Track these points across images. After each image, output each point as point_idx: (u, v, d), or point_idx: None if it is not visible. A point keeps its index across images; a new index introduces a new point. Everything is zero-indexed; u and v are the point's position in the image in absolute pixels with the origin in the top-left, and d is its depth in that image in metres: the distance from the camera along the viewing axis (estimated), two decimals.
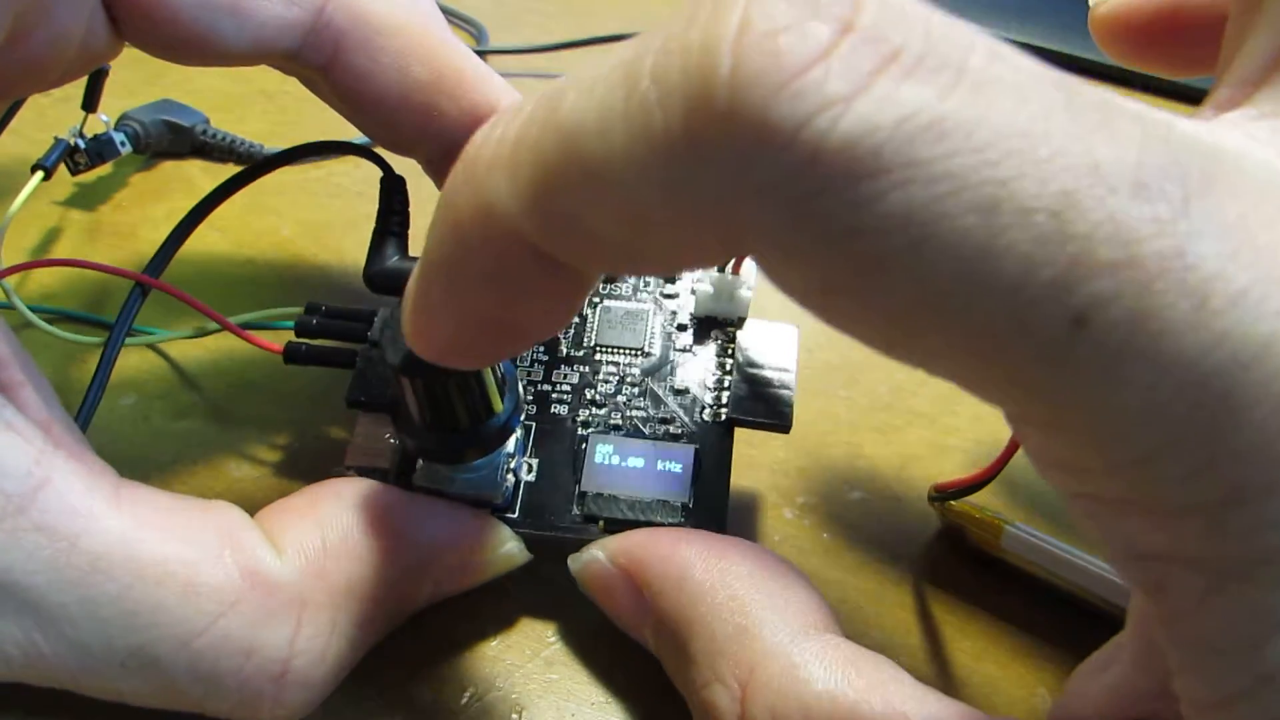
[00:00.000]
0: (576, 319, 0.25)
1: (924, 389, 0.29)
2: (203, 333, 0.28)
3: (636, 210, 0.12)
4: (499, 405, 0.21)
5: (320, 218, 0.35)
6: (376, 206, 0.25)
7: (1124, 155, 0.10)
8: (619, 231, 0.12)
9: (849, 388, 0.29)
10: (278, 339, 0.25)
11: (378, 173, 0.25)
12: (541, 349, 0.25)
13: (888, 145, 0.10)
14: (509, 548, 0.22)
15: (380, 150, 0.25)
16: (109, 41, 0.21)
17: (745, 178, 0.11)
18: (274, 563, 0.18)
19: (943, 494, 0.25)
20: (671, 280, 0.26)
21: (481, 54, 0.42)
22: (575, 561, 0.22)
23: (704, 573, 0.20)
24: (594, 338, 0.25)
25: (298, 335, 0.25)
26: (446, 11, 0.46)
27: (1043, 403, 0.11)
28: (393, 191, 0.25)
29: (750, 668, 0.18)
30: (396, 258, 0.25)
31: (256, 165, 0.26)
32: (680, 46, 0.11)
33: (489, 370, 0.20)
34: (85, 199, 0.35)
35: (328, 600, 0.19)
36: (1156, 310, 0.10)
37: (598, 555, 0.21)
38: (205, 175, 0.37)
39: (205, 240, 0.33)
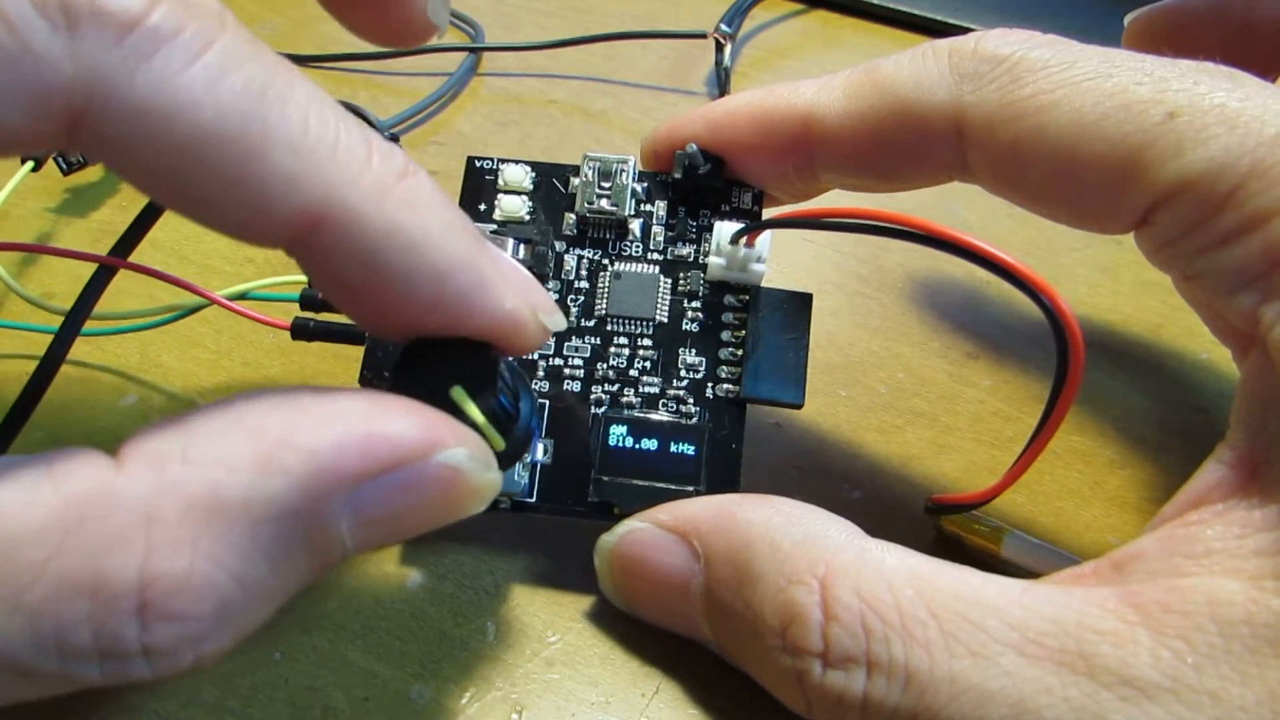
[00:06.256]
0: (585, 285, 0.25)
1: (924, 389, 0.29)
2: (190, 310, 0.26)
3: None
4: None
5: None
6: None
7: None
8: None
9: (849, 388, 0.29)
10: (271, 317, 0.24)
11: None
12: None
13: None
14: (488, 478, 0.18)
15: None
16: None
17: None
18: (109, 477, 0.15)
19: (939, 507, 0.25)
20: (683, 243, 0.25)
21: (478, 51, 0.42)
22: (611, 536, 0.22)
23: (755, 505, 0.21)
24: (605, 307, 0.25)
25: (303, 309, 0.24)
26: None
27: (1156, 169, 0.19)
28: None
29: (825, 563, 0.19)
30: None
31: None
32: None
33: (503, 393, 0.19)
34: (78, 205, 0.34)
35: (181, 515, 0.15)
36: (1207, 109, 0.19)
37: (636, 525, 0.22)
38: None
39: (204, 239, 0.33)
